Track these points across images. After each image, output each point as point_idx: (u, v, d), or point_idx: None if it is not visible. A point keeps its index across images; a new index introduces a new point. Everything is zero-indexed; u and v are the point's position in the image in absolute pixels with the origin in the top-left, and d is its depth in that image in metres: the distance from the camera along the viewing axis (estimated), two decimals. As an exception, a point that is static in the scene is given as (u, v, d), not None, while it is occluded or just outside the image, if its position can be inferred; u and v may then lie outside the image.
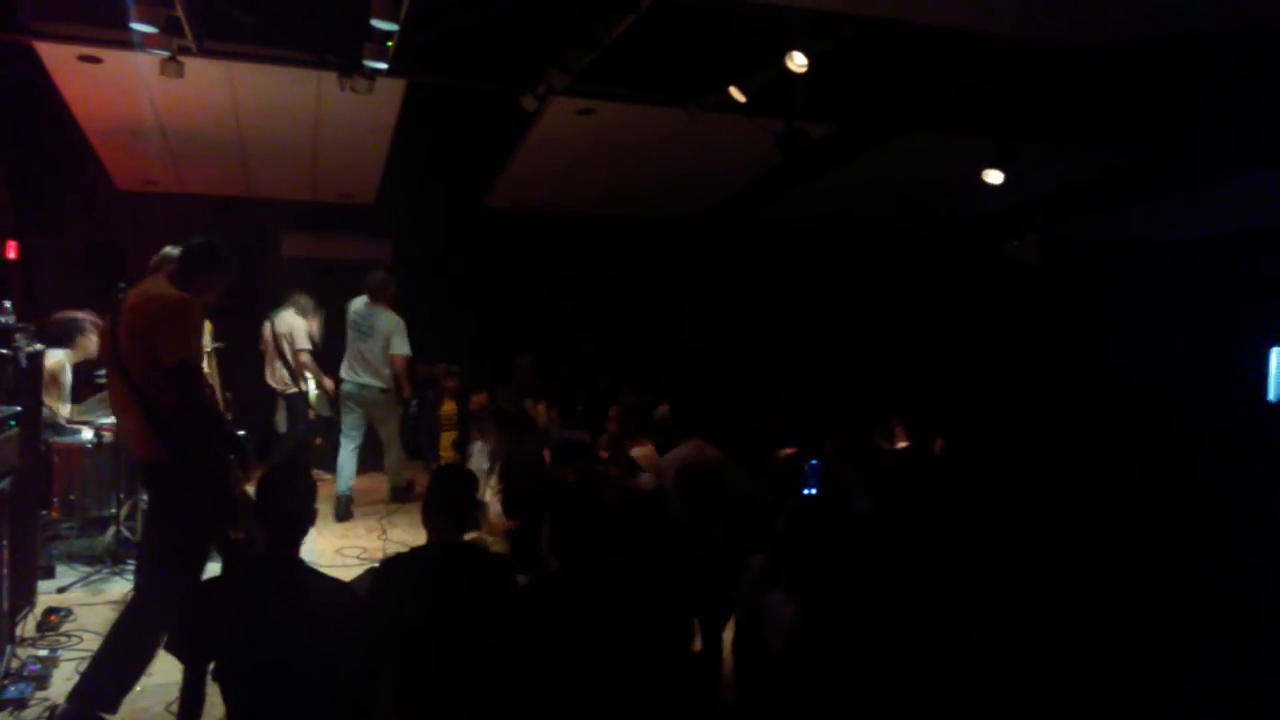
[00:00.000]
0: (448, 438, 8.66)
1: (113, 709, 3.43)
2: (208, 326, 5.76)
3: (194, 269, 3.73)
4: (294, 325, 8.01)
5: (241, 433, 4.44)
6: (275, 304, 8.18)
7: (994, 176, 6.54)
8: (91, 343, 5.97)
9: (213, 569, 3.69)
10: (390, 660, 2.85)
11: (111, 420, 5.59)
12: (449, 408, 8.72)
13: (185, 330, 3.52)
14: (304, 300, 8.12)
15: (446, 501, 3.11)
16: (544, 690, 2.38)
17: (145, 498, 5.67)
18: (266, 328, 8.16)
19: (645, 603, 2.55)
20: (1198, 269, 9.53)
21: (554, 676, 2.37)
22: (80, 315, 5.93)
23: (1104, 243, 10.18)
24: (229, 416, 5.10)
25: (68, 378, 5.92)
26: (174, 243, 3.99)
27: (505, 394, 8.42)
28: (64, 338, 5.88)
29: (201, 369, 3.63)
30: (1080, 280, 10.41)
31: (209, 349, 5.52)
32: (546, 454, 5.54)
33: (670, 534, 3.54)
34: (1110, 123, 7.27)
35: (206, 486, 3.49)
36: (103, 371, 6.08)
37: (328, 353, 8.11)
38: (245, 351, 7.84)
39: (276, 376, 8.17)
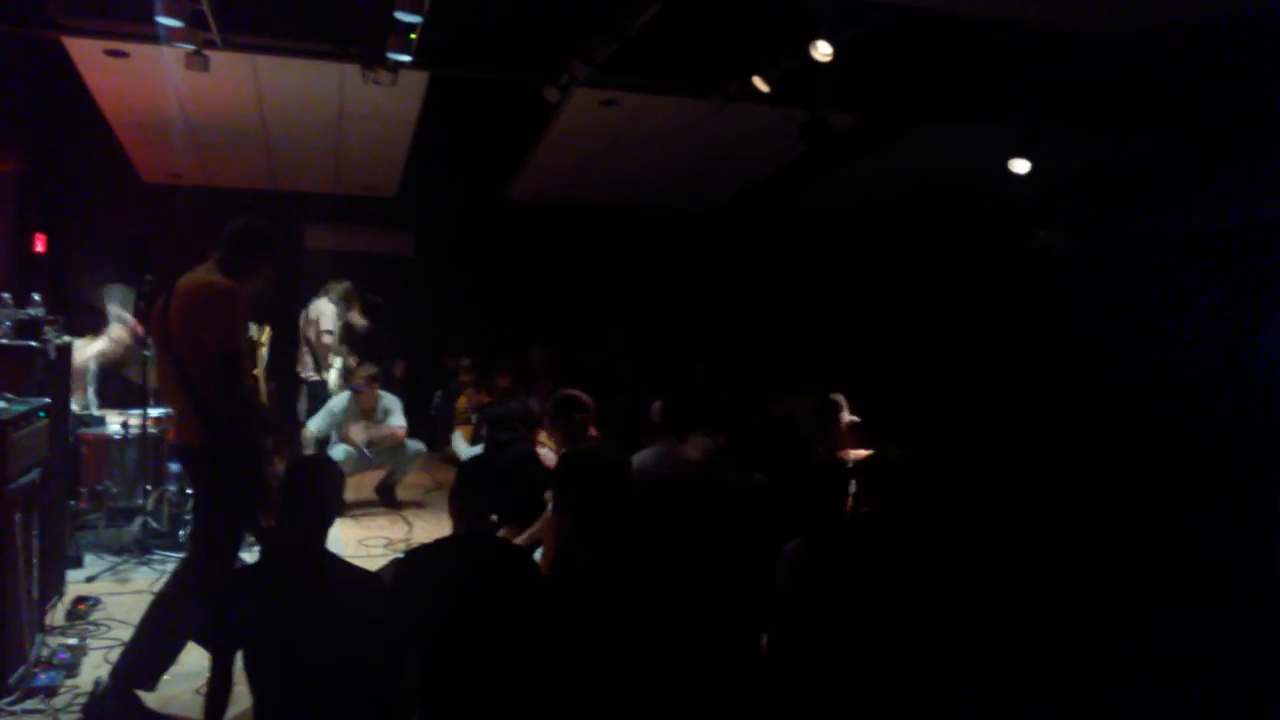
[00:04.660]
0: (463, 431, 8.65)
1: (150, 687, 3.49)
2: (266, 331, 5.80)
3: (241, 252, 3.66)
4: (322, 310, 7.95)
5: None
6: (311, 294, 8.14)
7: (1020, 165, 6.47)
8: (114, 333, 6.03)
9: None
10: (414, 651, 2.85)
11: (138, 411, 5.66)
12: (464, 401, 8.72)
13: (229, 321, 3.50)
14: (340, 287, 8.07)
15: (472, 493, 3.11)
16: (574, 684, 2.37)
17: (171, 488, 5.77)
18: (302, 317, 8.14)
19: (680, 596, 2.52)
20: (1230, 259, 9.36)
21: (584, 670, 2.35)
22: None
23: (1133, 232, 10.03)
24: (269, 407, 5.10)
25: (92, 367, 5.98)
26: (201, 236, 3.99)
27: (545, 390, 8.21)
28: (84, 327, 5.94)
29: (243, 361, 3.61)
30: (1109, 270, 10.25)
31: (263, 344, 5.56)
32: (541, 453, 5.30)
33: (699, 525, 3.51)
34: (1140, 110, 7.17)
35: (242, 473, 3.51)
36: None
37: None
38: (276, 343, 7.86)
39: (301, 363, 8.17)
